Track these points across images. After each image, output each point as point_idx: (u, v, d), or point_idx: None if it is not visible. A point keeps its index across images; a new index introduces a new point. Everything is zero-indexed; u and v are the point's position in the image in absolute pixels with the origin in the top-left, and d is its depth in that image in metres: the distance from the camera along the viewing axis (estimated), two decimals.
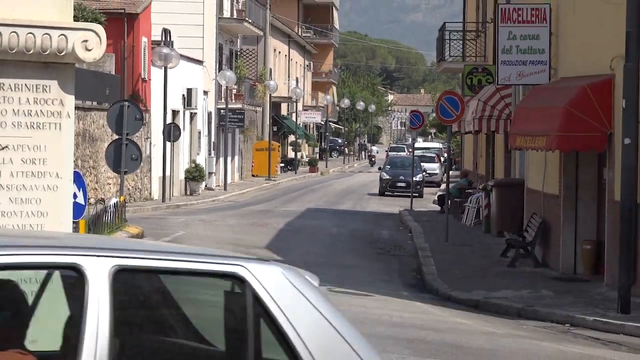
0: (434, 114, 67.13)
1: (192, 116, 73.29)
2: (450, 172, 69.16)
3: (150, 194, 63.09)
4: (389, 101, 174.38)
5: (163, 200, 64.29)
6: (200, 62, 75.83)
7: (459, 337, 26.54)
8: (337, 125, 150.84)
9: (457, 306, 32.17)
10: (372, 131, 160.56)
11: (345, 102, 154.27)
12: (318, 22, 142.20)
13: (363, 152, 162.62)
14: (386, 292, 34.10)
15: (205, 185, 75.18)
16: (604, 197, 34.29)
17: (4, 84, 12.25)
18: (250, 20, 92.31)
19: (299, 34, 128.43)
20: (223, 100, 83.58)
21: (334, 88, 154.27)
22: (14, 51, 12.05)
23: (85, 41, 12.45)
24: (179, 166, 69.03)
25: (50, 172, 12.47)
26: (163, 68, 62.61)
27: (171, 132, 62.47)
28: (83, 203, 25.30)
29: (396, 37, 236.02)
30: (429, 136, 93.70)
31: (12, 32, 11.98)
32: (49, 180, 12.52)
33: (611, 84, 32.31)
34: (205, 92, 77.81)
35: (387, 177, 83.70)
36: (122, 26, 57.00)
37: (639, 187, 30.15)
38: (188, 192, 71.09)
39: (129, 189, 46.44)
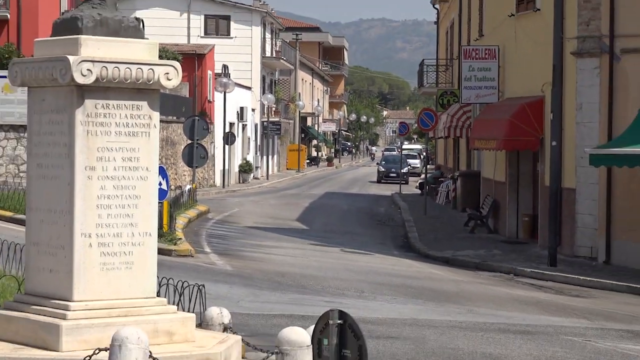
0: (416, 125, 67.05)
1: (244, 127, 73.20)
2: (428, 166, 69.14)
3: (214, 182, 62.86)
4: (384, 115, 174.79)
5: (223, 186, 63.74)
6: (249, 88, 75.79)
7: (434, 283, 27.07)
8: (347, 133, 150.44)
9: (433, 261, 32.57)
10: (371, 137, 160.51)
11: (353, 116, 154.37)
12: (333, 59, 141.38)
13: (368, 152, 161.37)
14: (382, 252, 34.52)
15: (253, 176, 75.05)
16: (537, 183, 34.75)
17: (109, 104, 12.48)
18: (284, 59, 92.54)
19: (320, 68, 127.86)
20: (265, 115, 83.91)
21: (345, 106, 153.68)
22: (116, 80, 12.48)
23: (167, 73, 12.90)
24: (234, 162, 69.20)
25: (142, 167, 12.77)
26: (223, 93, 63.09)
27: (229, 138, 62.89)
28: (166, 189, 25.81)
29: (389, 70, 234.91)
30: (412, 140, 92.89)
31: (115, 67, 12.44)
32: (141, 173, 12.73)
33: (542, 103, 32.65)
34: (253, 110, 77.80)
35: (383, 169, 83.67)
36: (193, 63, 57.30)
37: (562, 176, 30.74)
38: (241, 181, 70.38)
39: (198, 179, 46.63)
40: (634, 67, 29.26)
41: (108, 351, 11.15)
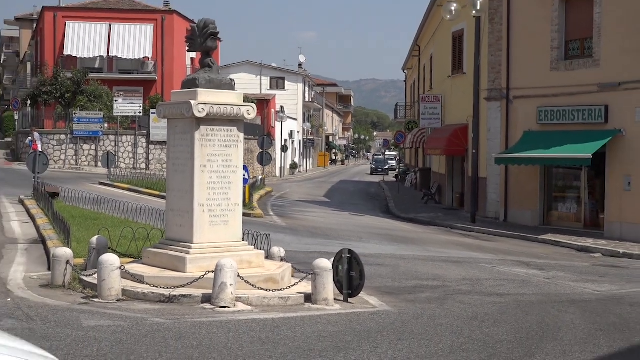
0: (393, 140, 66.70)
1: (292, 142, 72.78)
2: (400, 165, 69.27)
3: (275, 174, 61.08)
4: (374, 135, 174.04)
5: (280, 177, 61.98)
6: (295, 119, 75.23)
7: (403, 233, 26.61)
8: (353, 145, 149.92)
9: (403, 220, 32.01)
10: (367, 148, 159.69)
11: (356, 136, 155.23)
12: (344, 102, 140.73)
13: (365, 157, 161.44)
14: (373, 215, 34.11)
15: (298, 170, 74.67)
16: (464, 174, 34.24)
17: (214, 128, 12.46)
18: (316, 102, 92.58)
19: (336, 107, 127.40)
20: (305, 135, 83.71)
21: (351, 129, 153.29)
22: (218, 115, 12.54)
23: (248, 110, 12.97)
24: (287, 162, 68.85)
25: (233, 165, 12.78)
26: (280, 122, 62.96)
27: (283, 149, 63.08)
28: (247, 178, 25.70)
29: (377, 108, 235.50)
30: (391, 149, 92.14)
31: (218, 107, 12.42)
32: (233, 168, 12.74)
33: (467, 127, 32.19)
34: (298, 132, 77.24)
35: (373, 166, 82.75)
36: (263, 104, 56.97)
37: (478, 170, 30.54)
38: (291, 174, 69.69)
39: (266, 172, 46.47)
40: (520, 107, 29.04)
41: (213, 273, 11.26)
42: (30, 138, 43.24)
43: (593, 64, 26.85)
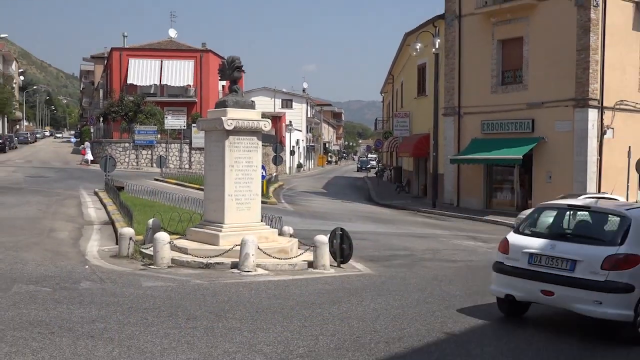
0: (374, 146, 66.50)
1: (298, 148, 72.86)
2: (379, 164, 69.15)
3: (285, 172, 60.13)
4: (359, 142, 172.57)
5: (289, 174, 61.95)
6: (300, 131, 75.10)
7: (382, 215, 26.49)
8: (344, 150, 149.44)
9: (381, 206, 31.75)
10: (354, 152, 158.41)
11: (345, 143, 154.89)
12: (337, 118, 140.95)
13: (353, 158, 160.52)
14: (359, 202, 33.99)
15: (302, 169, 74.37)
16: (427, 171, 34.26)
17: (239, 138, 12.35)
18: (316, 118, 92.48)
19: (331, 121, 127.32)
20: (307, 142, 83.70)
21: (342, 138, 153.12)
22: (243, 128, 12.55)
23: (265, 124, 12.92)
24: (294, 163, 68.77)
25: (254, 165, 12.64)
26: (289, 133, 63.04)
27: (291, 153, 62.96)
28: (264, 175, 25.71)
29: (362, 122, 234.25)
30: (372, 152, 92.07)
31: (242, 122, 12.44)
32: (253, 168, 12.60)
33: (429, 136, 32.06)
34: (303, 140, 77.32)
35: (359, 165, 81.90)
36: (276, 120, 56.78)
37: (437, 168, 30.54)
38: (297, 171, 69.61)
39: (278, 170, 46.43)
40: (468, 121, 29.00)
41: (239, 246, 11.24)
42: (82, 145, 44.28)
43: (523, 88, 26.86)
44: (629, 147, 24.33)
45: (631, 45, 26.00)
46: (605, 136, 25.11)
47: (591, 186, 24.74)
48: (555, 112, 25.62)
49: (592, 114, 24.83)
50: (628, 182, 24.05)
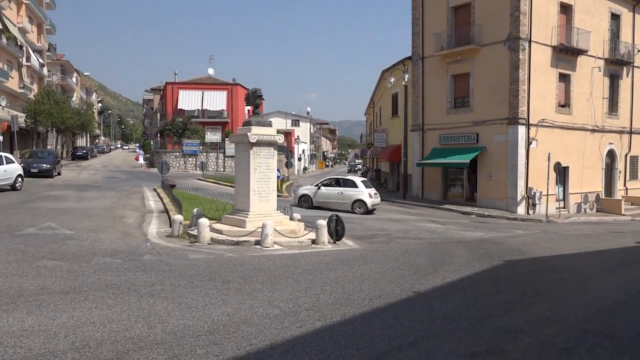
0: (360, 154, 66.31)
1: (304, 155, 72.63)
2: (363, 167, 68.96)
3: (294, 174, 59.79)
4: (349, 151, 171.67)
5: (297, 174, 61.95)
6: (305, 143, 75.12)
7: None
8: (337, 157, 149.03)
9: None
10: (345, 158, 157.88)
11: (339, 152, 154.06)
12: (333, 134, 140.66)
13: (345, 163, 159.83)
14: None
15: (307, 171, 73.99)
16: (400, 172, 34.18)
17: (260, 148, 12.28)
18: (317, 133, 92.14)
19: (328, 136, 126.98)
20: (310, 152, 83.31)
21: (337, 148, 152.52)
22: (262, 141, 12.51)
23: (279, 138, 12.87)
24: (301, 166, 68.42)
25: (272, 168, 12.57)
26: (297, 145, 62.89)
27: (299, 159, 62.71)
28: (279, 175, 25.63)
29: (351, 136, 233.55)
30: (359, 159, 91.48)
31: (263, 136, 12.40)
32: (271, 170, 12.51)
33: (401, 146, 32.07)
34: (307, 150, 77.29)
35: (349, 168, 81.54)
36: (287, 135, 56.52)
37: (407, 169, 30.44)
38: (303, 173, 69.04)
39: (289, 172, 46.32)
40: (429, 135, 28.90)
41: (261, 228, 11.16)
42: (138, 151, 44.56)
43: (469, 110, 26.77)
44: (549, 153, 24.41)
45: (549, 78, 26.01)
46: (531, 146, 25.04)
47: (520, 182, 24.69)
48: (494, 128, 25.56)
49: (521, 129, 24.77)
50: (548, 179, 24.05)
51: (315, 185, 23.31)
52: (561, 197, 26.70)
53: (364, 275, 8.57)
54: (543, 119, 25.51)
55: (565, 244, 14.32)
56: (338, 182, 22.94)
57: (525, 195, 24.78)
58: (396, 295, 7.31)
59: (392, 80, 31.09)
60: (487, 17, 25.87)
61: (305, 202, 22.66)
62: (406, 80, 29.22)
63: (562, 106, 26.77)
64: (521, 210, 24.53)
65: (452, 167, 27.91)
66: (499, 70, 25.29)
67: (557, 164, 24.03)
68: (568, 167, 26.88)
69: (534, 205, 24.73)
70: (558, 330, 6.00)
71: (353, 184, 22.27)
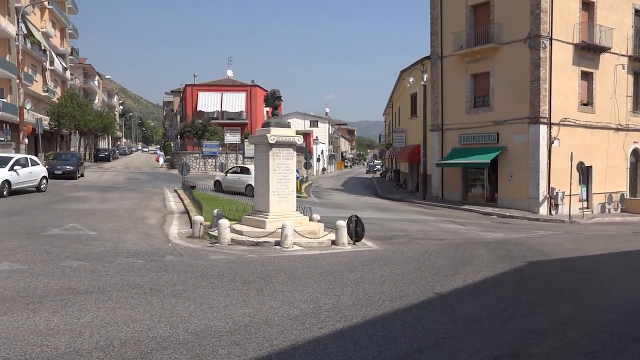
0: (378, 154, 65.98)
1: (323, 156, 72.54)
2: (382, 167, 68.78)
3: (313, 174, 59.62)
4: (367, 152, 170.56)
5: (316, 175, 61.98)
6: (324, 144, 74.99)
7: (385, 205, 26.26)
8: (356, 157, 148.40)
9: (385, 199, 31.56)
10: (364, 158, 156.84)
11: (357, 152, 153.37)
12: (351, 134, 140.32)
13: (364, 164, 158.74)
14: (368, 196, 33.74)
15: (326, 172, 74.03)
16: (419, 172, 34.04)
17: (280, 149, 12.26)
18: (335, 134, 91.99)
19: (347, 136, 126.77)
20: (329, 152, 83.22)
21: (355, 149, 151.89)
22: (282, 142, 12.51)
23: (298, 139, 12.83)
24: (320, 167, 68.30)
25: (291, 169, 12.50)
26: (316, 145, 62.90)
27: (317, 160, 62.69)
28: (298, 176, 25.69)
29: (370, 137, 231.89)
30: (377, 159, 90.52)
31: (282, 137, 12.38)
32: (290, 171, 12.45)
33: (420, 146, 32.08)
34: (326, 150, 77.08)
35: (367, 169, 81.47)
36: (306, 136, 56.54)
37: (427, 170, 30.29)
38: (322, 174, 68.99)
39: (308, 173, 46.38)
40: (449, 135, 28.74)
41: (281, 229, 11.17)
42: (158, 152, 45.37)
43: (489, 110, 26.51)
44: (571, 153, 24.01)
45: (571, 77, 25.60)
46: (553, 145, 24.68)
47: (542, 182, 24.36)
48: (514, 128, 25.26)
49: (543, 129, 24.44)
50: (570, 179, 23.65)
51: (225, 172, 27.91)
52: (584, 197, 26.25)
53: (384, 277, 8.51)
54: (565, 118, 25.12)
55: (589, 244, 14.06)
56: (239, 171, 26.86)
57: (548, 196, 24.42)
58: (417, 296, 7.24)
59: (410, 80, 30.94)
60: (507, 16, 25.58)
61: (218, 186, 26.53)
62: (425, 80, 29.07)
63: (584, 105, 26.32)
64: (543, 210, 24.18)
65: (473, 167, 27.65)
66: (519, 69, 24.97)
67: (580, 164, 23.62)
68: (591, 166, 26.42)
69: (557, 205, 24.36)
70: (583, 332, 5.88)
71: (248, 172, 25.65)
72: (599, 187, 26.96)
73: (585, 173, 25.79)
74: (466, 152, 27.02)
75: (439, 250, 11.71)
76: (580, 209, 25.31)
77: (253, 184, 24.98)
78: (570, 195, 23.80)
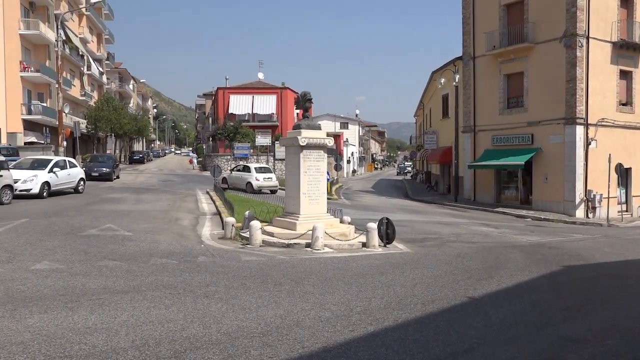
0: (409, 156, 65.33)
1: (353, 158, 72.45)
2: (413, 169, 68.10)
3: (343, 176, 59.27)
4: (398, 153, 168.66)
5: (346, 177, 61.83)
6: (354, 145, 74.90)
7: (416, 208, 26.16)
8: (386, 159, 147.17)
9: (416, 201, 31.36)
10: (394, 160, 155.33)
11: (387, 154, 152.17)
12: (381, 136, 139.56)
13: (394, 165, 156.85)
14: (398, 197, 33.58)
15: (356, 174, 73.91)
16: (451, 174, 33.69)
17: (310, 151, 12.29)
18: (365, 136, 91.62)
19: (377, 138, 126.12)
20: (359, 154, 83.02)
21: (385, 150, 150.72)
22: (312, 144, 12.55)
23: (329, 141, 12.81)
24: (350, 169, 68.27)
25: (321, 171, 12.52)
26: (346, 147, 62.78)
27: (347, 162, 62.53)
28: (328, 178, 25.75)
29: (400, 138, 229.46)
30: (408, 161, 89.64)
31: (312, 139, 12.42)
32: (320, 173, 12.47)
33: (452, 147, 31.72)
34: (356, 152, 76.98)
35: (398, 170, 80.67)
36: (336, 137, 56.42)
37: (459, 171, 29.91)
38: (352, 176, 68.90)
39: (338, 175, 46.41)
40: (481, 136, 28.32)
41: (311, 231, 11.17)
42: (191, 154, 46.21)
43: (523, 110, 26.01)
44: (609, 154, 23.33)
45: (609, 76, 24.89)
46: (590, 146, 24.04)
47: (579, 185, 23.75)
48: (550, 128, 24.71)
49: (579, 129, 23.84)
50: (609, 181, 23.01)
51: (231, 170, 30.26)
52: (623, 199, 25.45)
53: (415, 280, 8.43)
54: (603, 119, 24.43)
55: (629, 248, 13.62)
56: (242, 169, 28.97)
57: (584, 198, 23.78)
58: (450, 300, 7.14)
59: (442, 81, 30.64)
60: (542, 14, 25.05)
61: (224, 182, 28.32)
62: (457, 80, 28.74)
63: (623, 104, 25.55)
64: (580, 213, 23.56)
65: (506, 169, 27.16)
66: (554, 69, 24.42)
67: (619, 165, 22.91)
68: (630, 168, 25.60)
69: (594, 208, 23.69)
70: (623, 340, 5.68)
71: (249, 170, 28.03)
72: (638, 189, 26.11)
73: (624, 175, 24.98)
74: (499, 153, 26.56)
75: (471, 254, 11.52)
76: (618, 212, 24.55)
77: (252, 182, 27.12)
78: (608, 197, 23.12)
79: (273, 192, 27.66)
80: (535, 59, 25.35)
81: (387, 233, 12.39)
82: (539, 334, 5.79)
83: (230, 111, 52.67)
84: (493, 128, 27.57)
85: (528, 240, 14.86)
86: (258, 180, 27.21)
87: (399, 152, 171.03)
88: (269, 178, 27.75)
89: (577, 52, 23.59)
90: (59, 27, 33.28)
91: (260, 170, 28.15)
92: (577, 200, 23.71)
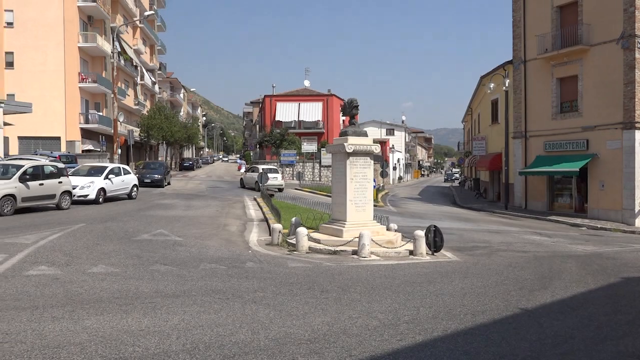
0: (457, 162, 64.08)
1: (399, 164, 71.88)
2: (461, 176, 66.82)
3: (389, 183, 59.12)
4: (445, 160, 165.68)
5: (392, 184, 61.41)
6: (400, 152, 74.27)
7: (464, 215, 25.61)
8: (433, 166, 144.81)
9: (464, 208, 30.79)
10: (441, 167, 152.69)
11: (434, 160, 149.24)
12: (428, 142, 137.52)
13: (441, 172, 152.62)
14: (446, 205, 33.04)
15: (402, 180, 73.41)
16: (500, 181, 32.90)
17: (357, 158, 12.27)
18: (412, 142, 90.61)
19: (424, 144, 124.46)
20: (406, 160, 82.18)
21: (432, 157, 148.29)
22: (359, 151, 12.47)
23: (375, 147, 12.76)
24: (396, 176, 67.61)
25: (368, 178, 12.47)
26: (392, 154, 62.27)
27: (394, 168, 62.00)
28: (375, 185, 25.59)
29: (447, 145, 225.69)
30: (456, 168, 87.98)
31: (359, 146, 12.38)
32: (367, 180, 12.38)
33: (502, 154, 30.96)
34: (402, 159, 76.22)
35: (445, 178, 79.84)
36: (382, 144, 56.23)
37: (509, 178, 29.15)
38: (398, 182, 68.65)
39: (384, 182, 46.02)
40: (533, 142, 27.48)
41: (358, 238, 11.11)
42: (239, 161, 47.44)
43: (578, 115, 25.08)
44: None
45: None
46: None
47: (638, 192, 22.66)
48: (606, 134, 23.71)
49: (638, 135, 22.76)
50: None
51: (245, 171, 35.33)
52: None
53: (465, 289, 8.25)
54: None
55: None
56: (251, 170, 33.66)
57: None
58: (501, 311, 6.94)
59: (491, 86, 29.99)
60: (597, 15, 24.15)
61: (242, 183, 33.69)
62: (507, 85, 28.07)
63: None
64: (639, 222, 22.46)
65: (560, 176, 26.25)
66: (611, 71, 23.46)
67: None
68: None
69: None
70: None
71: (257, 171, 31.45)
72: None
73: None
74: (552, 159, 25.69)
75: (523, 263, 11.18)
76: None
77: (259, 181, 28.27)
78: None
79: (280, 190, 32.11)
80: (590, 61, 24.44)
81: (435, 241, 12.19)
82: (596, 349, 5.54)
83: (277, 118, 53.29)
84: (545, 134, 26.72)
85: (584, 250, 14.27)
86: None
87: (446, 159, 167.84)
88: (274, 177, 31.74)
89: (635, 53, 22.58)
90: (115, 39, 34.70)
91: (267, 170, 31.10)
92: (637, 208, 22.61)
